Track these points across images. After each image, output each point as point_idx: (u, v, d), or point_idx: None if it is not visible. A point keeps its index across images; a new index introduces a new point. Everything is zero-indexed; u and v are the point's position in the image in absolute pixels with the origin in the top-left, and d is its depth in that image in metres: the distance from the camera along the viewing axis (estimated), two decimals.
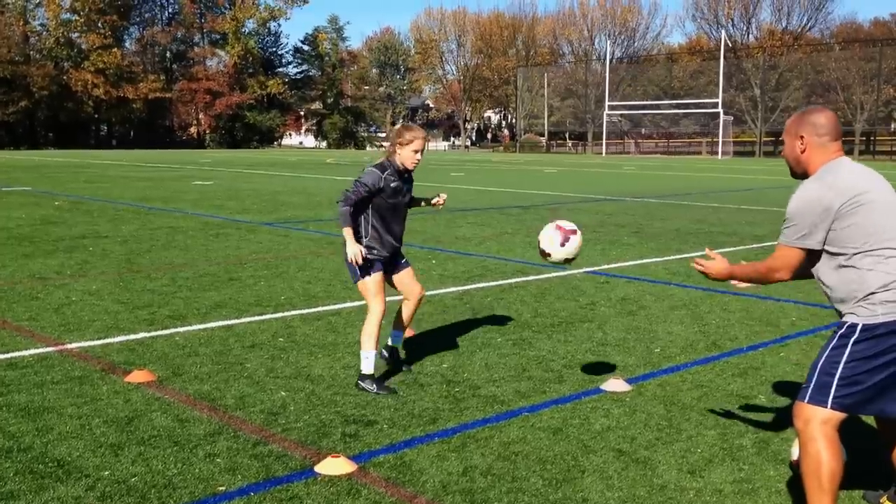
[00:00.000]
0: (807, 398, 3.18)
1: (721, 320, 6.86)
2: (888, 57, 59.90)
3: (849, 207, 3.12)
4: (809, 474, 3.13)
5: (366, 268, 4.99)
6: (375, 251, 5.05)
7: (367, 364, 4.98)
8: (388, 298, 5.13)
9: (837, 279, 3.21)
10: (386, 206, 5.05)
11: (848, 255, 3.15)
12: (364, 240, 5.03)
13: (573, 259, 4.85)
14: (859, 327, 3.12)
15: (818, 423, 3.13)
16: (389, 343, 5.50)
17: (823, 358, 3.19)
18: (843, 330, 3.18)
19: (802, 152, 3.34)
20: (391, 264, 5.21)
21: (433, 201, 5.45)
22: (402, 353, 5.65)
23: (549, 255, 4.79)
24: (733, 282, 3.67)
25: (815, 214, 3.15)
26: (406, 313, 5.40)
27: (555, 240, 4.76)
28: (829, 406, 3.12)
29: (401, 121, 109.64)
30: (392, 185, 5.02)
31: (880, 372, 3.09)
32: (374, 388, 4.93)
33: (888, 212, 3.17)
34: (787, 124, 3.45)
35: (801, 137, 3.33)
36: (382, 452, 4.05)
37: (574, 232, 4.81)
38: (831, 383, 3.13)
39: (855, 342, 3.12)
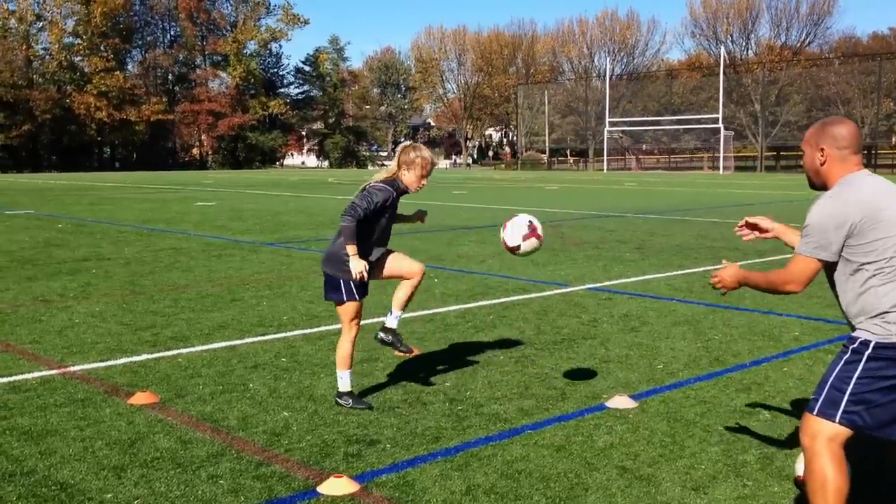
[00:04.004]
0: (815, 410, 3.15)
1: (724, 336, 6.86)
2: (887, 71, 60.12)
3: (868, 224, 3.09)
4: (815, 491, 3.10)
5: (353, 291, 4.97)
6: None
7: (344, 383, 5.04)
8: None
9: (852, 292, 3.18)
10: (381, 224, 5.04)
11: (864, 270, 3.13)
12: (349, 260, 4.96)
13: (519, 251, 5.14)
14: (872, 344, 3.09)
15: (825, 440, 3.11)
16: (387, 325, 5.25)
17: (836, 371, 3.15)
18: (855, 345, 3.14)
19: (822, 164, 3.29)
20: (376, 263, 5.13)
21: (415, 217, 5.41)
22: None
23: (506, 242, 5.12)
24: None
25: (831, 228, 3.12)
26: (405, 291, 5.18)
27: (519, 233, 5.09)
28: (837, 421, 3.09)
29: (402, 139, 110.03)
30: (392, 200, 5.02)
31: (892, 392, 3.06)
32: (349, 402, 5.00)
33: None
34: (807, 135, 3.38)
35: (822, 150, 3.28)
36: (385, 472, 4.05)
37: (537, 237, 5.12)
38: (842, 398, 3.09)
39: (868, 359, 3.08)
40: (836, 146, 3.25)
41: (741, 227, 3.91)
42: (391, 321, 5.22)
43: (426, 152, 5.03)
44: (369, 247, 5.03)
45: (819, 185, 3.35)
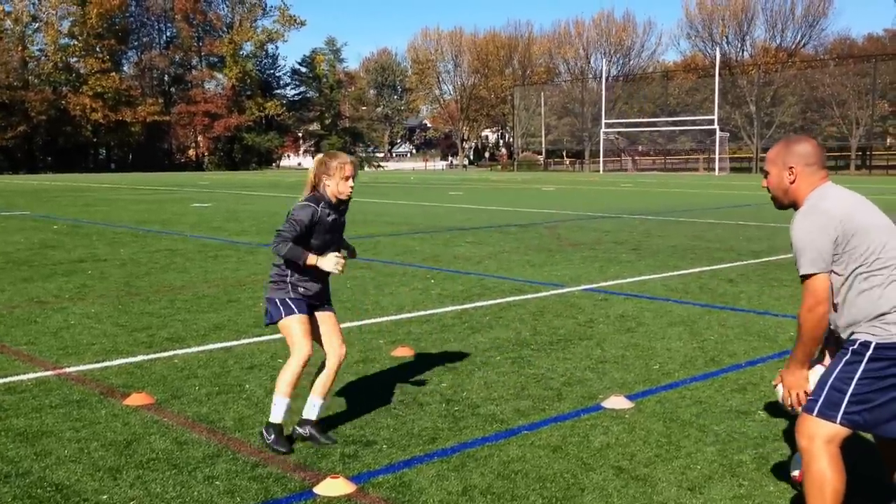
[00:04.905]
0: (815, 411, 3.16)
1: (719, 336, 6.87)
2: (882, 72, 60.23)
3: (847, 231, 3.13)
4: (813, 492, 3.11)
5: (291, 306, 4.46)
6: (302, 289, 4.50)
7: (277, 411, 4.39)
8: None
9: (844, 302, 3.20)
10: (319, 244, 4.52)
11: (853, 278, 3.15)
12: (289, 277, 4.49)
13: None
14: (873, 345, 3.10)
15: (822, 441, 3.11)
16: (305, 416, 4.56)
17: (835, 373, 3.16)
18: (855, 346, 3.15)
19: (792, 183, 3.32)
20: (314, 307, 4.60)
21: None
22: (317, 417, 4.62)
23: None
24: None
25: (822, 240, 3.14)
26: (325, 376, 4.58)
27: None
28: (837, 421, 3.10)
29: (399, 140, 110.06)
30: (328, 218, 4.50)
31: (891, 392, 3.08)
32: (271, 438, 4.35)
33: (883, 232, 3.18)
34: (770, 155, 3.41)
35: (791, 168, 3.31)
36: (382, 473, 4.05)
37: None
38: (843, 399, 3.10)
39: (870, 360, 3.10)
40: (805, 163, 3.30)
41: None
42: (310, 411, 4.55)
43: (342, 156, 4.57)
44: (312, 275, 4.53)
45: (788, 203, 3.38)
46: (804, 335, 3.21)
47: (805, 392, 3.29)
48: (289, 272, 4.51)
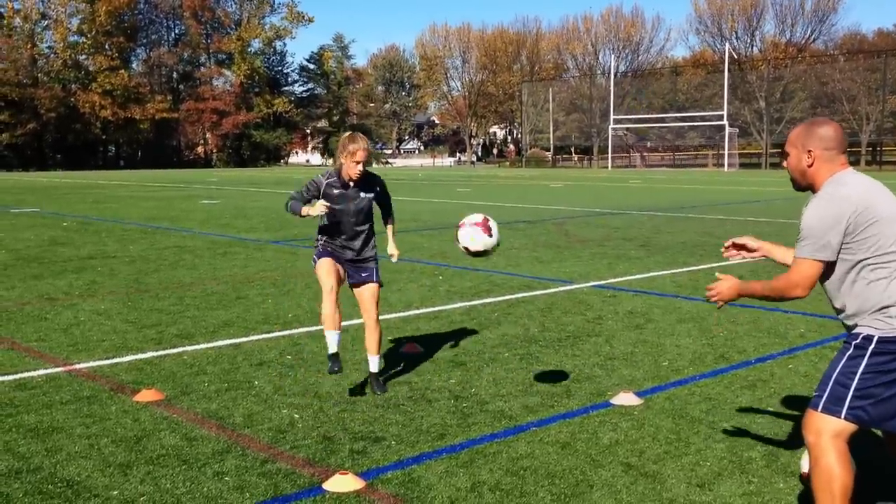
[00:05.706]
0: (820, 407, 3.15)
1: (729, 333, 6.85)
2: (893, 67, 59.87)
3: (862, 220, 3.10)
4: (821, 488, 3.10)
5: (317, 257, 5.36)
6: (330, 248, 5.35)
7: (328, 342, 5.19)
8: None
9: (850, 291, 3.17)
10: (335, 219, 5.27)
11: (861, 267, 3.13)
12: (320, 240, 5.38)
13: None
14: (875, 339, 3.09)
15: (829, 436, 3.10)
16: (370, 369, 5.47)
17: (839, 368, 3.15)
18: (858, 341, 3.14)
19: (810, 166, 3.28)
20: (353, 275, 5.40)
21: (389, 252, 5.63)
22: (378, 369, 5.50)
23: (481, 251, 5.02)
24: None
25: (831, 227, 3.11)
26: (367, 341, 5.42)
27: (478, 236, 4.99)
28: (842, 416, 3.09)
29: (406, 137, 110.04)
30: (333, 191, 5.26)
31: (895, 386, 3.07)
32: (329, 364, 5.21)
33: None
34: (791, 136, 3.38)
35: (809, 151, 3.27)
36: (390, 469, 4.05)
37: (486, 221, 5.03)
38: (846, 394, 3.09)
39: (872, 354, 3.08)
40: (824, 147, 3.25)
41: (727, 248, 3.78)
42: (370, 365, 5.44)
43: (359, 142, 5.17)
44: (339, 240, 5.34)
45: (805, 185, 3.36)
46: (771, 293, 3.30)
47: (723, 300, 3.48)
48: (320, 236, 5.40)
